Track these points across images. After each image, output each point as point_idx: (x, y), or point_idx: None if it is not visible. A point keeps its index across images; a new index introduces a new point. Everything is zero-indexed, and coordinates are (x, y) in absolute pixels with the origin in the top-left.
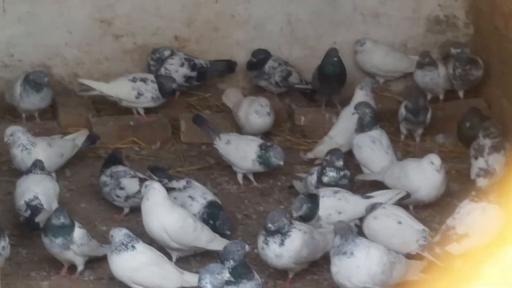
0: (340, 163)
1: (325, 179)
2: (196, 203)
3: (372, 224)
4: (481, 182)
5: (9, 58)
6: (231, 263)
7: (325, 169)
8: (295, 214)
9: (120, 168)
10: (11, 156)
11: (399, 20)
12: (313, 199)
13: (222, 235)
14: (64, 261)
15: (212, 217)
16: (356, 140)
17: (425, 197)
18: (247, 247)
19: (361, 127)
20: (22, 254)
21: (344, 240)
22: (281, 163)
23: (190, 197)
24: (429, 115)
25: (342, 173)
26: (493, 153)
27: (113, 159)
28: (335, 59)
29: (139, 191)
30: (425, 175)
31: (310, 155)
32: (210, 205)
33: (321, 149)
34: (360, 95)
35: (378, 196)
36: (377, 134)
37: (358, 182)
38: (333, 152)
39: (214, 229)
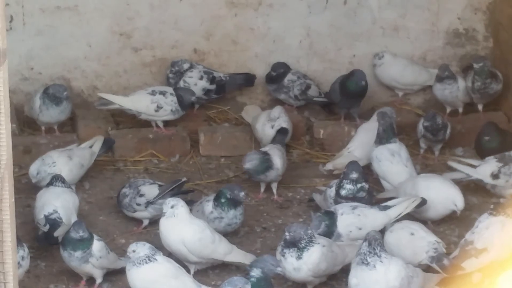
0: (354, 175)
1: (342, 192)
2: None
3: (388, 237)
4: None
5: (29, 71)
6: (258, 272)
7: (342, 181)
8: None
9: (138, 178)
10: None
11: (418, 33)
12: (331, 217)
13: (240, 204)
14: (82, 274)
15: (220, 196)
16: (375, 153)
17: (434, 216)
18: (279, 269)
19: (380, 139)
20: (41, 266)
21: (371, 249)
22: (244, 165)
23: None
24: (448, 131)
25: (359, 185)
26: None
27: None
28: (363, 83)
29: (159, 195)
30: (439, 202)
31: (329, 166)
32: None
33: (339, 162)
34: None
35: (396, 206)
36: (396, 147)
37: (378, 199)
38: (350, 165)
39: (231, 203)
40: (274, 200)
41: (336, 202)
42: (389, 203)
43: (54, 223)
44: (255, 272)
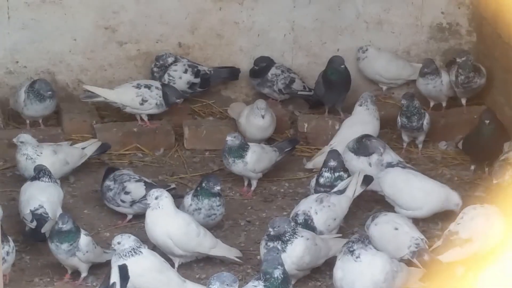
0: (332, 163)
1: (321, 180)
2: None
3: (372, 230)
4: None
5: (14, 65)
6: (281, 269)
7: (321, 170)
8: None
9: (124, 171)
10: (16, 161)
11: (402, 27)
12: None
13: (215, 195)
14: (68, 266)
15: (198, 185)
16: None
17: (423, 216)
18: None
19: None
20: (26, 260)
21: (359, 238)
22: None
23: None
24: (425, 121)
25: (337, 174)
26: None
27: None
28: (342, 66)
29: (145, 196)
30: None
31: (309, 165)
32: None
33: (320, 160)
34: (360, 111)
35: (349, 186)
36: None
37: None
38: (329, 153)
39: (206, 193)
40: (243, 192)
41: (316, 191)
42: (340, 186)
43: (40, 219)
44: (278, 271)
